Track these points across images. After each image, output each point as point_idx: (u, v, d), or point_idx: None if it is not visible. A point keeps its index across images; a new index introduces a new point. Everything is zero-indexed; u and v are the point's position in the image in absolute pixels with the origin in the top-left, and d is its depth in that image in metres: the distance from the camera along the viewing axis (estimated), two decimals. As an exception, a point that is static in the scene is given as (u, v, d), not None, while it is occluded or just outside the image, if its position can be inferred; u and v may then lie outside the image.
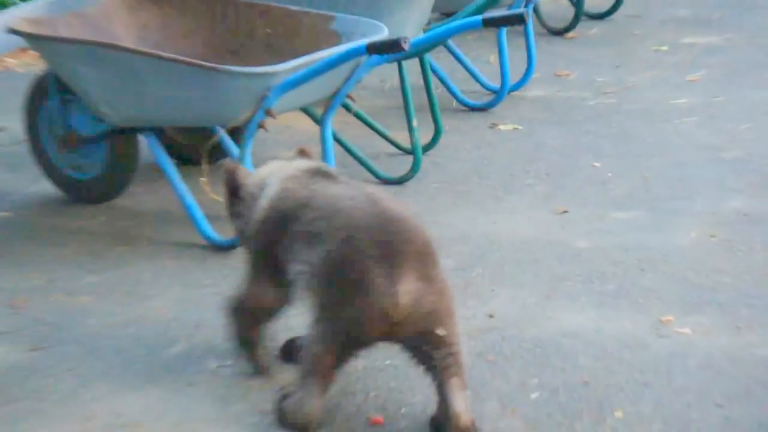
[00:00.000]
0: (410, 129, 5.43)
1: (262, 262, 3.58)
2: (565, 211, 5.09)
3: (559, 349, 3.88)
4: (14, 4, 7.72)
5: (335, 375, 3.35)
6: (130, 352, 3.91)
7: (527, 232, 4.88)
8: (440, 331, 3.29)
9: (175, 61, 4.47)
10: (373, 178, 5.42)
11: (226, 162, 3.85)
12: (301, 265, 3.40)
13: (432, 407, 3.47)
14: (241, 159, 4.53)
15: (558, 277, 4.45)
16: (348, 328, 3.27)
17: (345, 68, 4.68)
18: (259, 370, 3.72)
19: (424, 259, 3.28)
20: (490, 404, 3.57)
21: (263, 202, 3.58)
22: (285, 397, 3.43)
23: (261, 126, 4.54)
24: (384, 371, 3.75)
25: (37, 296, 4.29)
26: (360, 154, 5.50)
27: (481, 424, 3.40)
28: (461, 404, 3.32)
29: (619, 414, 3.50)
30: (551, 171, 5.60)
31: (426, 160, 5.65)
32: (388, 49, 4.27)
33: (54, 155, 5.17)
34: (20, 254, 4.70)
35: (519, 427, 3.45)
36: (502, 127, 6.24)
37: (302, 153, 3.81)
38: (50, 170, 5.21)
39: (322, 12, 5.07)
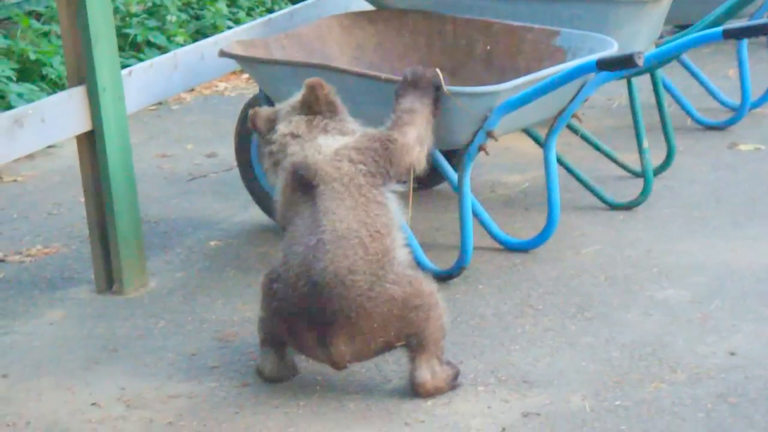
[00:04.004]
0: (640, 150, 5.30)
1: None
2: (815, 239, 4.90)
3: (811, 392, 3.74)
4: (229, 27, 7.92)
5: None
6: (342, 389, 3.92)
7: (772, 261, 4.72)
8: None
9: (390, 81, 4.48)
10: (599, 204, 5.33)
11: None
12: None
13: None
14: (460, 183, 4.52)
15: (808, 311, 4.28)
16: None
17: (571, 86, 4.60)
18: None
19: (353, 321, 3.68)
20: (732, 451, 3.45)
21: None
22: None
23: (481, 149, 4.50)
24: (613, 412, 3.66)
25: (247, 329, 4.34)
26: (585, 177, 5.40)
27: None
28: (424, 374, 3.79)
29: None
30: (798, 195, 5.40)
31: (658, 184, 5.49)
32: (621, 65, 4.18)
33: (265, 181, 5.23)
34: (230, 285, 4.78)
35: (765, 478, 3.33)
36: (742, 147, 6.05)
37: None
38: (261, 197, 5.28)
39: (545, 27, 5.01)
